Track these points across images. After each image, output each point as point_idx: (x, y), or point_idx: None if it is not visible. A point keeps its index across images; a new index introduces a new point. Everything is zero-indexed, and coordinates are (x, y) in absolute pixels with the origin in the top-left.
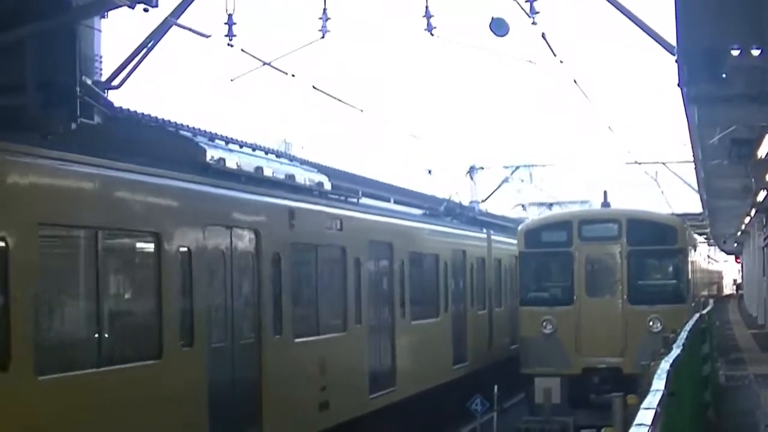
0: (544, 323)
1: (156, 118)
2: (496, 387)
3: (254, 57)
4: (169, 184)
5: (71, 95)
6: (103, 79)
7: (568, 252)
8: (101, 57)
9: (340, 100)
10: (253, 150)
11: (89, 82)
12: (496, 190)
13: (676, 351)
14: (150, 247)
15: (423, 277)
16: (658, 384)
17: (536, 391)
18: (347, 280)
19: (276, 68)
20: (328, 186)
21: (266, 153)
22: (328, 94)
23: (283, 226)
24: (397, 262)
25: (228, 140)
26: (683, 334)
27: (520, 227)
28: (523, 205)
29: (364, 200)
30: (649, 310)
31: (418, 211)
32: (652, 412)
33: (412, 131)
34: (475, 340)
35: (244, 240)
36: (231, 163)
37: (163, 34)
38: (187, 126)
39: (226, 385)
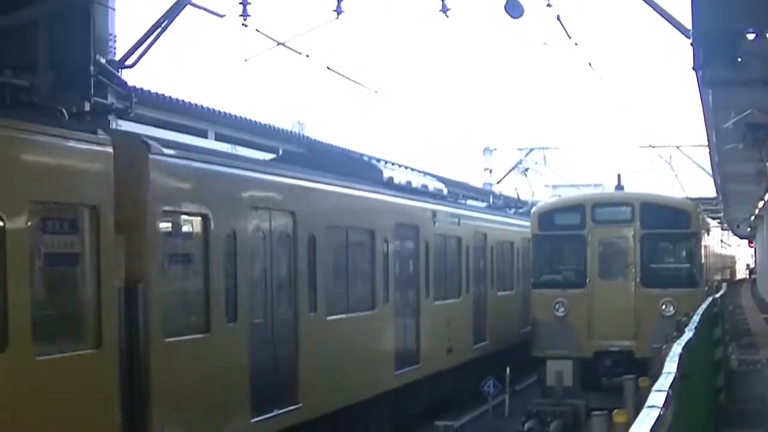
0: (557, 306)
1: (342, 147)
2: (508, 369)
3: (268, 37)
4: (378, 197)
5: (84, 74)
6: (117, 58)
7: (581, 235)
8: (115, 36)
9: (354, 81)
10: (399, 166)
11: (103, 61)
12: (509, 172)
13: (688, 334)
14: (370, 239)
15: (503, 259)
16: (670, 367)
17: (548, 373)
18: (461, 261)
19: (290, 48)
20: (445, 191)
21: (405, 168)
22: (342, 75)
23: (430, 223)
24: (488, 248)
25: (385, 161)
26: (696, 318)
27: (533, 210)
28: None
29: (470, 201)
30: (661, 294)
31: (480, 204)
32: (663, 395)
33: (426, 112)
34: None
35: (411, 234)
36: (396, 179)
37: (178, 14)
38: (362, 152)
39: (402, 330)
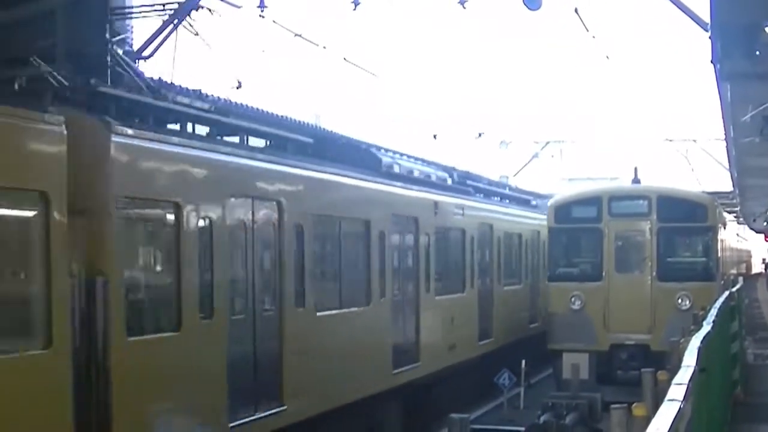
0: (573, 299)
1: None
2: (523, 362)
3: (285, 28)
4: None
5: (101, 65)
6: (134, 49)
7: (598, 228)
8: (132, 27)
9: (370, 73)
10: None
11: (120, 52)
12: (526, 165)
13: (706, 328)
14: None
15: None
16: (690, 360)
17: (564, 366)
18: (521, 254)
19: (307, 40)
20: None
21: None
22: (358, 66)
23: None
24: (541, 242)
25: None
26: (713, 312)
27: (549, 202)
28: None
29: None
30: (677, 287)
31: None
32: (683, 388)
33: (442, 104)
34: None
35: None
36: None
37: (195, 4)
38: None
39: (484, 309)
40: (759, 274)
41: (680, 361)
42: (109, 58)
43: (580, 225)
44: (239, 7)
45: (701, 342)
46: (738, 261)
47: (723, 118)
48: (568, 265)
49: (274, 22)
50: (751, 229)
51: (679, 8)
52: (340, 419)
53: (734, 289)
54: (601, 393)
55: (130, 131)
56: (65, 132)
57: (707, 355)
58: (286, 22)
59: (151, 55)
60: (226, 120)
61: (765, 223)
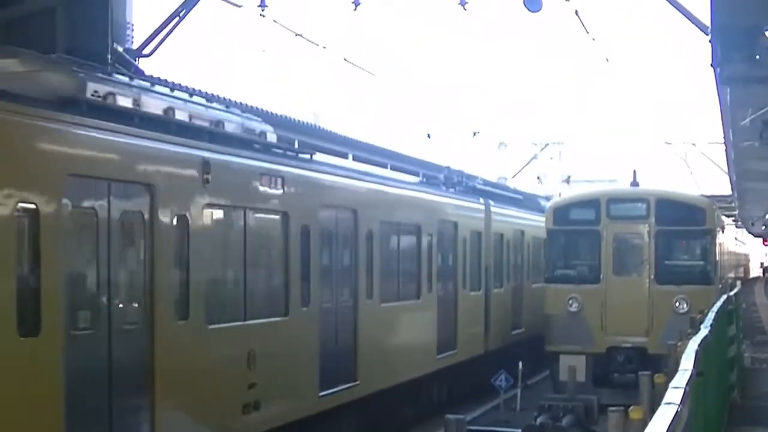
0: (570, 301)
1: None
2: (520, 363)
3: (286, 28)
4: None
5: (102, 62)
6: (135, 46)
7: (596, 230)
8: (133, 24)
9: (369, 72)
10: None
11: (120, 49)
12: (525, 166)
13: (704, 331)
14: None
15: None
16: (687, 363)
17: (561, 368)
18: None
19: (307, 39)
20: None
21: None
22: (358, 66)
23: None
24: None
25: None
26: (711, 315)
27: (548, 204)
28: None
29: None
30: (675, 291)
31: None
32: (681, 391)
33: (440, 105)
34: None
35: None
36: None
37: (195, 3)
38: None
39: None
40: (757, 279)
41: (677, 364)
42: (109, 56)
43: (578, 227)
44: (240, 6)
45: (699, 345)
46: (736, 265)
47: (722, 121)
48: (566, 267)
49: (274, 21)
50: (750, 233)
51: (680, 11)
52: None
53: (732, 293)
54: (597, 395)
55: (492, 203)
56: (483, 207)
57: (705, 359)
58: (286, 21)
59: (152, 53)
60: (498, 192)
61: (764, 227)
